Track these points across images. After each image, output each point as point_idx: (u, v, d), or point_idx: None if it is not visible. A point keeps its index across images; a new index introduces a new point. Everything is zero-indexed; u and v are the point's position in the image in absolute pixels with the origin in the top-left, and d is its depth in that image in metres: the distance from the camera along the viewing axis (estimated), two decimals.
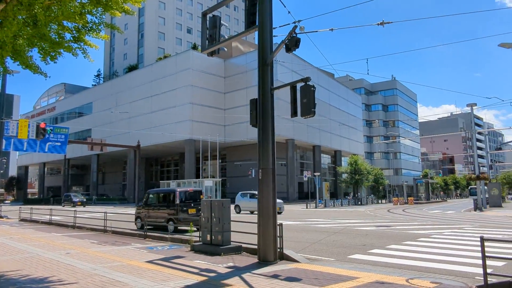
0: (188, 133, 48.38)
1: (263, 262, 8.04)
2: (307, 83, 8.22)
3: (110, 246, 10.85)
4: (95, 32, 8.24)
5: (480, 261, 5.71)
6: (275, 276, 6.72)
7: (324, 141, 58.83)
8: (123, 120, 56.20)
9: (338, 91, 65.00)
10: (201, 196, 15.23)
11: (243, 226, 10.71)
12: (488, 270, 5.72)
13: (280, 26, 10.30)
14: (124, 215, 20.64)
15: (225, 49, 10.73)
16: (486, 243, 5.81)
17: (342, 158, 64.70)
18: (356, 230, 15.06)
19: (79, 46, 8.34)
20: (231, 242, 9.45)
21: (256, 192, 24.36)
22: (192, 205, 14.44)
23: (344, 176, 56.51)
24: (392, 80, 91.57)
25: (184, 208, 14.22)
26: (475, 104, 33.93)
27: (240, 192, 29.74)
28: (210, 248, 9.30)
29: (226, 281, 6.39)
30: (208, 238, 9.51)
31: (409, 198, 50.12)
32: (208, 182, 39.84)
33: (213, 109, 51.47)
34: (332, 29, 10.97)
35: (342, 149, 64.40)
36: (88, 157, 63.21)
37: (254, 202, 25.09)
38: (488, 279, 5.60)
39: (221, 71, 54.27)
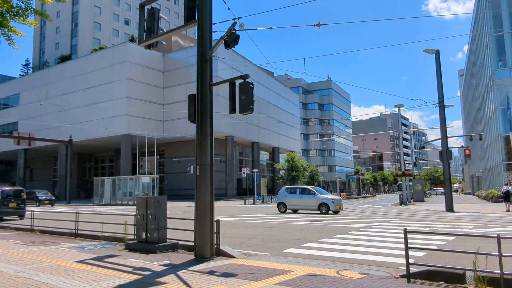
0: (125, 128, 46.70)
1: (200, 258, 8.01)
2: (246, 80, 8.29)
3: (37, 246, 10.20)
4: (21, 18, 7.68)
5: (404, 252, 6.13)
6: (211, 272, 6.73)
7: (262, 138, 59.65)
8: (54, 113, 52.84)
9: (277, 89, 66.18)
10: (22, 194, 19.89)
11: (185, 223, 10.58)
12: (411, 260, 6.15)
13: (220, 22, 10.27)
14: (56, 213, 19.47)
15: (164, 42, 10.49)
16: (409, 235, 6.25)
17: (280, 155, 66.04)
18: (292, 225, 15.49)
19: (3, 32, 7.73)
20: (168, 240, 9.30)
21: (308, 187, 23.63)
22: (13, 200, 19.06)
23: (282, 172, 57.77)
24: (327, 81, 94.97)
25: (5, 203, 18.55)
26: (402, 105, 36.23)
27: (284, 187, 24.78)
28: (146, 246, 9.09)
29: (160, 279, 6.29)
30: (144, 236, 9.28)
31: (341, 193, 52.41)
32: (145, 179, 38.76)
33: (151, 104, 50.10)
34: (271, 28, 11.16)
35: (280, 146, 65.71)
36: (14, 152, 58.71)
37: (306, 199, 22.56)
38: (410, 268, 6.04)
39: (160, 65, 52.96)
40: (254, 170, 42.23)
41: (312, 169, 61.51)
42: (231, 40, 8.32)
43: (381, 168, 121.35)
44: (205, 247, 8.08)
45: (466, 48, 60.73)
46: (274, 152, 65.43)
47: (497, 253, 5.47)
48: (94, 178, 45.45)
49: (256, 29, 10.94)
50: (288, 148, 66.86)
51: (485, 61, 36.63)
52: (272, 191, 59.72)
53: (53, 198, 38.19)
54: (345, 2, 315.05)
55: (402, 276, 6.18)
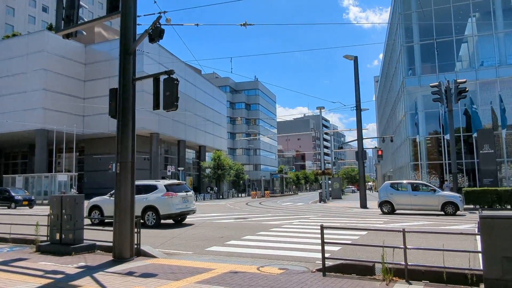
0: (40, 122, 43.26)
1: (119, 259, 7.72)
2: (171, 76, 8.13)
3: None
4: None
5: (321, 247, 6.44)
6: (130, 273, 6.52)
7: (189, 136, 58.91)
8: None
9: (205, 87, 65.76)
10: None
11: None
12: (327, 255, 6.49)
13: (145, 15, 9.97)
14: None
15: (84, 32, 9.91)
16: (325, 231, 6.59)
17: (207, 153, 65.74)
18: (216, 223, 15.52)
19: None
20: (85, 241, 8.83)
21: (424, 182, 21.02)
22: None
23: (208, 171, 57.58)
24: (255, 81, 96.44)
25: None
26: (323, 108, 38.03)
27: (388, 183, 21.13)
28: (60, 247, 8.54)
29: (75, 282, 5.96)
30: (58, 237, 8.71)
31: (266, 191, 53.60)
32: (62, 177, 36.32)
33: (70, 97, 46.97)
34: (197, 24, 11.08)
35: (206, 144, 65.39)
36: None
37: (423, 198, 18.91)
38: (326, 262, 6.37)
39: (82, 57, 49.86)
40: (179, 169, 41.62)
41: (238, 168, 62.17)
42: (155, 34, 8.11)
43: (303, 167, 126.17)
44: (124, 247, 7.80)
45: (381, 56, 65.32)
46: (200, 151, 64.94)
47: (402, 246, 5.97)
48: (3, 175, 41.57)
49: (182, 24, 10.79)
50: (215, 146, 66.77)
51: (397, 69, 39.73)
52: (198, 189, 59.25)
53: (33, 198, 31.39)
54: (273, 5, 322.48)
55: (318, 270, 6.48)
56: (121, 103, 8.22)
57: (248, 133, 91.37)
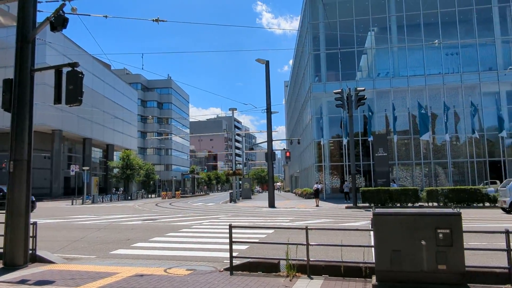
0: None
1: (10, 267, 7.04)
2: (75, 68, 7.63)
3: None
4: None
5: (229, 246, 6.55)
6: (23, 281, 6.00)
7: (96, 134, 55.63)
8: None
9: (114, 83, 62.64)
10: None
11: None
12: (235, 254, 6.62)
13: (47, 1, 9.22)
14: None
15: None
16: (234, 230, 6.72)
17: (115, 152, 62.64)
18: (122, 225, 14.90)
19: None
20: None
21: None
22: None
23: (116, 171, 54.94)
24: (168, 79, 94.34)
25: None
26: (236, 109, 38.57)
27: None
28: None
29: None
30: None
31: (176, 192, 52.66)
32: None
33: None
34: (106, 16, 10.58)
35: (115, 143, 62.31)
36: None
37: None
38: (234, 261, 6.50)
39: None
40: (84, 168, 39.08)
41: (148, 168, 60.25)
42: (58, 22, 7.55)
43: (215, 167, 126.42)
44: (16, 254, 7.14)
45: (291, 62, 68.17)
46: (108, 150, 61.69)
47: (305, 243, 6.31)
48: None
49: (89, 15, 10.23)
50: (124, 145, 63.93)
51: (305, 75, 41.85)
52: (105, 190, 56.19)
53: (33, 199, 25.90)
54: (189, 4, 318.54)
55: (226, 269, 6.59)
56: (17, 95, 7.52)
57: (160, 132, 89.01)
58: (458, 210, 5.36)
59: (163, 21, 11.85)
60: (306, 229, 6.42)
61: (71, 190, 49.20)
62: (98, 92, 54.04)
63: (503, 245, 5.53)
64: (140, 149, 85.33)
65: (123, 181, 54.48)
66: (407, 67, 35.18)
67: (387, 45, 35.94)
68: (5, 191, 24.57)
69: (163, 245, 10.01)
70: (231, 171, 38.11)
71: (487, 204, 22.31)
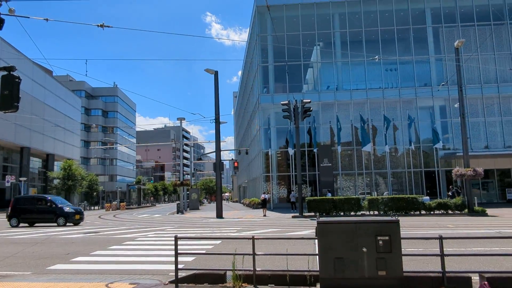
0: None
1: None
2: (11, 72, 7.26)
3: None
4: None
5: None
6: None
7: (35, 143, 52.57)
8: None
9: (56, 90, 59.72)
10: None
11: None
12: (180, 266, 6.55)
13: None
14: None
15: None
16: (180, 242, 6.65)
17: (56, 162, 59.48)
18: (62, 239, 14.18)
19: None
20: None
21: None
22: None
23: (56, 181, 52.17)
24: (113, 87, 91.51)
25: None
26: (184, 119, 38.21)
27: None
28: None
29: None
30: None
31: (121, 203, 50.91)
32: None
33: None
34: (47, 19, 10.17)
35: (56, 152, 59.22)
36: None
37: None
38: (179, 273, 6.41)
39: None
40: (21, 179, 36.79)
41: (92, 179, 57.87)
42: None
43: (162, 178, 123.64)
44: None
45: (240, 73, 68.80)
46: (48, 159, 58.46)
47: (251, 252, 6.38)
48: None
49: (29, 17, 9.78)
50: (66, 155, 60.90)
51: (254, 87, 42.41)
52: None
53: (81, 209, 24.61)
54: (137, 11, 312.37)
55: (171, 282, 6.48)
56: None
57: (105, 141, 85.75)
58: (397, 217, 5.66)
59: (108, 26, 11.60)
60: (253, 238, 6.50)
61: (6, 203, 46.01)
62: (38, 99, 51.30)
63: (437, 250, 5.92)
64: (83, 159, 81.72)
65: (64, 192, 51.85)
66: (350, 81, 36.75)
67: (332, 60, 37.38)
68: (57, 203, 22.97)
69: (105, 258, 9.66)
70: (178, 182, 37.51)
71: (423, 212, 23.68)
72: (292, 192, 32.31)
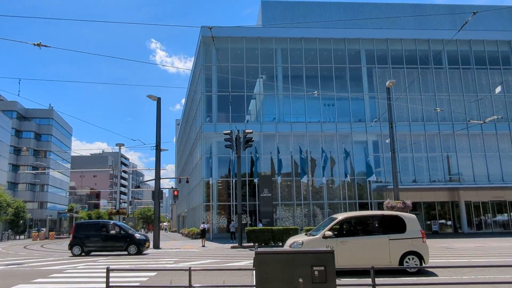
0: None
1: None
2: None
3: None
4: None
5: None
6: None
7: None
8: None
9: None
10: None
11: None
12: None
13: None
14: None
15: None
16: (112, 274, 6.50)
17: None
18: None
19: None
20: None
21: None
22: None
23: None
24: (49, 109, 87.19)
25: None
26: (123, 145, 37.29)
27: None
28: None
29: None
30: None
31: (50, 232, 47.70)
32: None
33: None
34: None
35: None
36: None
37: None
38: None
39: None
40: None
41: (19, 205, 53.90)
42: None
43: (97, 206, 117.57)
44: None
45: (184, 101, 68.74)
46: None
47: (187, 284, 6.37)
48: None
49: None
50: None
51: (197, 115, 42.48)
52: None
53: (147, 236, 22.30)
54: (78, 32, 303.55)
55: None
56: None
57: (36, 166, 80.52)
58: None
59: (46, 46, 11.34)
60: (190, 270, 6.51)
61: None
62: None
63: (369, 280, 6.27)
64: (10, 184, 75.98)
65: None
66: (291, 113, 38.05)
67: (274, 92, 38.62)
68: (126, 229, 21.05)
69: None
70: (114, 210, 36.06)
71: None
72: (232, 222, 32.23)
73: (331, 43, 38.99)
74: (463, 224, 36.50)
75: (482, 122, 29.84)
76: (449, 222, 37.74)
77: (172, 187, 51.62)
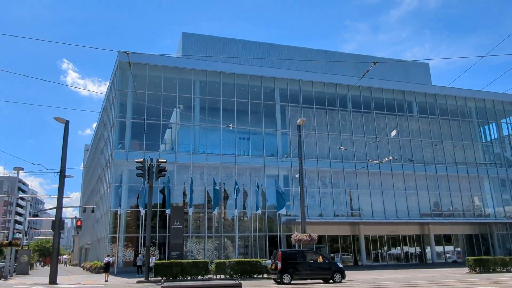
0: None
1: None
2: None
3: None
4: None
5: None
6: None
7: None
8: None
9: None
10: None
11: None
12: None
13: None
14: None
15: None
16: None
17: None
18: None
19: None
20: None
21: None
22: None
23: None
24: None
25: None
26: (23, 169, 34.16)
27: None
28: None
29: None
30: None
31: None
32: None
33: None
34: None
35: None
36: None
37: None
38: None
39: None
40: None
41: None
42: None
43: None
44: None
45: (95, 126, 65.55)
46: None
47: None
48: None
49: None
50: None
51: (108, 141, 40.72)
52: None
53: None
54: None
55: None
56: None
57: None
58: (240, 281, 6.11)
59: None
60: None
61: None
62: None
63: None
64: None
65: None
66: (207, 145, 38.27)
67: (191, 123, 38.67)
68: (328, 258, 20.92)
69: None
70: (6, 241, 32.38)
71: (265, 275, 25.07)
72: (140, 255, 30.90)
73: (248, 79, 40.52)
74: (362, 257, 39.06)
75: (379, 162, 32.84)
76: (350, 255, 40.12)
77: (75, 217, 48.09)
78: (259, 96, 40.69)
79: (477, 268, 26.53)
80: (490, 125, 49.32)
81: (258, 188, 34.75)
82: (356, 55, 52.07)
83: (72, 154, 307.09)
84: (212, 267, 24.89)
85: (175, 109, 40.10)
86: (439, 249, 42.80)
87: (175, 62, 39.54)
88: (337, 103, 42.67)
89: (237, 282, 11.89)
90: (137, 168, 25.66)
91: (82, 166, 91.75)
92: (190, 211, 32.43)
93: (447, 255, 42.34)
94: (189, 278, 23.78)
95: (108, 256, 27.65)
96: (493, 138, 49.52)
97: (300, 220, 27.90)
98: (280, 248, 36.38)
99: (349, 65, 47.82)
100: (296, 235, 26.78)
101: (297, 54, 47.93)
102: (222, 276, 24.45)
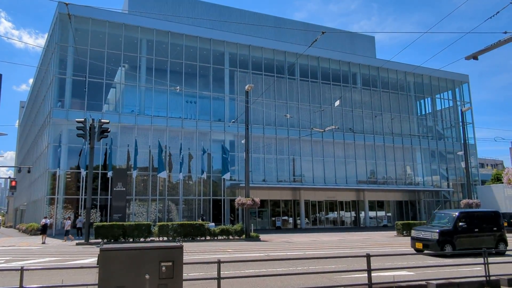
0: None
1: None
2: None
3: None
4: None
5: None
6: None
7: None
8: None
9: None
10: None
11: None
12: None
13: None
14: None
15: None
16: None
17: None
18: None
19: None
20: None
21: None
22: None
23: None
24: None
25: None
26: None
27: None
28: None
29: None
30: None
31: None
32: None
33: None
34: None
35: None
36: None
37: None
38: None
39: None
40: None
41: None
42: None
43: None
44: None
45: (32, 81, 61.29)
46: None
47: (18, 286, 6.06)
48: None
49: None
50: None
51: (46, 98, 38.46)
52: None
53: None
54: None
55: None
56: None
57: None
58: (181, 243, 6.05)
59: None
60: (22, 270, 6.22)
61: None
62: None
63: (215, 274, 6.81)
64: None
65: None
66: (152, 107, 37.36)
67: (136, 83, 37.38)
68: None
69: None
70: None
71: (208, 237, 25.68)
72: (80, 217, 30.29)
73: (197, 41, 39.55)
74: (302, 221, 40.98)
75: (322, 130, 34.02)
76: (291, 219, 41.93)
77: (9, 177, 45.67)
78: (208, 59, 39.99)
79: (404, 232, 28.90)
80: (426, 99, 52.34)
81: (204, 152, 34.83)
82: (306, 23, 52.30)
83: (6, 110, 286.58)
84: (155, 229, 25.04)
85: (119, 68, 38.46)
86: (372, 214, 45.82)
87: (121, 18, 37.52)
88: (286, 71, 43.05)
89: (178, 244, 12.12)
90: (78, 128, 24.73)
91: (17, 124, 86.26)
92: (134, 173, 31.98)
93: (379, 220, 45.50)
94: (131, 240, 23.82)
95: (45, 218, 26.86)
96: (427, 112, 52.76)
97: (244, 185, 28.56)
98: (224, 212, 37.21)
99: (299, 34, 48.02)
100: (239, 199, 27.50)
101: (249, 19, 47.26)
102: (165, 239, 24.73)
